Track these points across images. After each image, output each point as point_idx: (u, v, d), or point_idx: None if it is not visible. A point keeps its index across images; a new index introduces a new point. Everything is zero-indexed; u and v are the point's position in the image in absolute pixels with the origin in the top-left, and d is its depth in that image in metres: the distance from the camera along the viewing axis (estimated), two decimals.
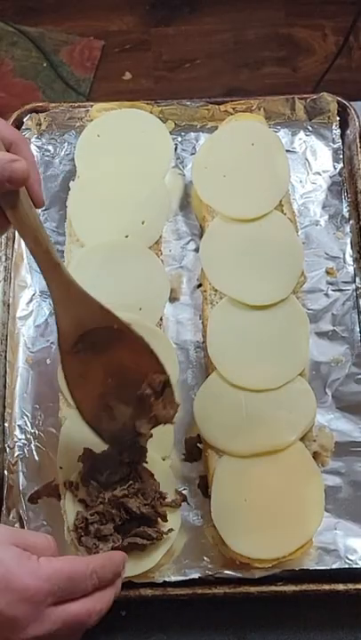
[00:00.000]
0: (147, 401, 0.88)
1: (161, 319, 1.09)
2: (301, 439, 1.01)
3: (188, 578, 0.97)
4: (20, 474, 1.04)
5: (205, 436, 1.01)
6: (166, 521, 0.95)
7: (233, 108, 1.24)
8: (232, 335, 1.06)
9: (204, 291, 1.10)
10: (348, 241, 1.17)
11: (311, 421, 1.02)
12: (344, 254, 1.17)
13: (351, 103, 1.24)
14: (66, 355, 0.90)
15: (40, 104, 1.26)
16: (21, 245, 1.18)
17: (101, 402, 0.91)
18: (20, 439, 1.06)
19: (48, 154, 1.24)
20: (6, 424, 1.07)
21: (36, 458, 1.05)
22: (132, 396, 0.89)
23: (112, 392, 0.91)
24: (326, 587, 0.96)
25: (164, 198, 1.15)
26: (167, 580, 0.97)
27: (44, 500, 1.02)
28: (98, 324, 0.88)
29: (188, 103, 1.25)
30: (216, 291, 1.09)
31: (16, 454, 1.05)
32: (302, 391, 1.03)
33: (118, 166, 1.16)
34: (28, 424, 1.07)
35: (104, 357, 0.90)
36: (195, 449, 1.04)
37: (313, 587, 0.96)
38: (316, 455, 1.03)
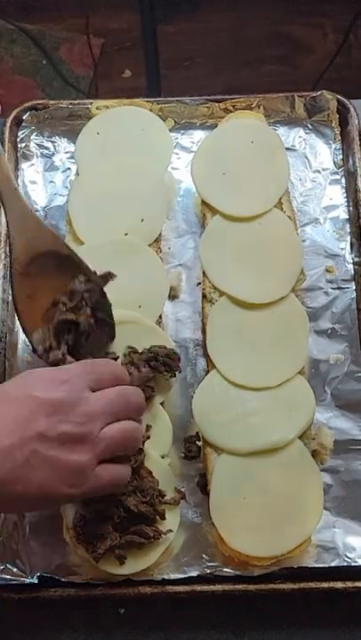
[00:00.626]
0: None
1: (160, 317, 1.09)
2: (300, 437, 1.01)
3: (186, 576, 0.97)
4: None
5: (204, 433, 1.01)
6: (164, 519, 0.95)
7: (233, 106, 1.23)
8: (231, 333, 1.06)
9: (204, 288, 1.10)
10: (348, 239, 1.17)
11: (310, 419, 1.02)
12: (344, 252, 1.17)
13: (351, 101, 1.23)
14: (18, 275, 0.95)
15: (39, 101, 1.25)
16: None
17: (45, 322, 0.96)
18: None
19: (47, 151, 1.24)
20: None
21: None
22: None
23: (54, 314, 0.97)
24: (325, 585, 0.96)
25: (163, 196, 1.15)
26: (166, 577, 0.97)
27: None
28: (48, 248, 0.96)
29: (188, 101, 1.24)
30: (215, 289, 1.09)
31: None
32: (301, 389, 1.03)
33: (118, 164, 1.16)
34: None
35: (51, 281, 0.96)
36: (194, 447, 1.04)
37: (312, 585, 0.96)
38: (315, 453, 1.03)
